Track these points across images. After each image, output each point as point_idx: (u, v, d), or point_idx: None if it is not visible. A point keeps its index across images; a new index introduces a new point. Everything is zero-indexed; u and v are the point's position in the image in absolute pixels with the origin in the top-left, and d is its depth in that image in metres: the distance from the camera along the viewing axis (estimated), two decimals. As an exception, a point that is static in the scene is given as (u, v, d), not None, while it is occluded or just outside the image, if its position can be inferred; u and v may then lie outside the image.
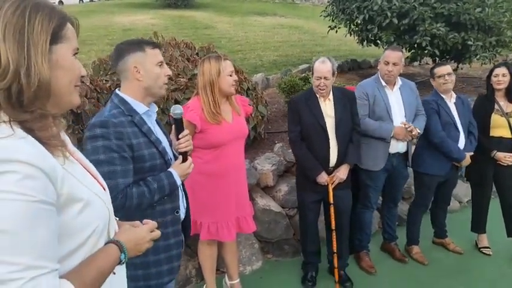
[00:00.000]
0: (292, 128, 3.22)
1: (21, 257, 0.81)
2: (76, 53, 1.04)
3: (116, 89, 1.88)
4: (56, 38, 0.97)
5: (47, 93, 0.93)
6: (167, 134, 2.02)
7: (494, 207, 3.95)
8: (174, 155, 1.99)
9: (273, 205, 3.83)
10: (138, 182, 1.78)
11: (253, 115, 4.10)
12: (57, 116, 1.00)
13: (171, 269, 1.93)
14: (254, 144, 4.49)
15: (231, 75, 2.67)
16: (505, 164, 3.68)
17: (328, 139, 3.14)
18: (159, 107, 3.56)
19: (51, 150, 0.93)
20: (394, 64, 3.36)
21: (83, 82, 3.28)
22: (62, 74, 0.99)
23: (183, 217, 2.03)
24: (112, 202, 1.65)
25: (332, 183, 3.18)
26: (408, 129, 3.30)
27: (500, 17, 6.36)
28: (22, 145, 0.86)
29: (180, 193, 2.00)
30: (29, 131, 0.90)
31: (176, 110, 1.93)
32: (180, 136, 1.93)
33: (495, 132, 3.73)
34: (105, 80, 3.86)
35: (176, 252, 1.95)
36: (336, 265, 3.30)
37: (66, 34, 1.00)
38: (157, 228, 1.31)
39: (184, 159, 1.93)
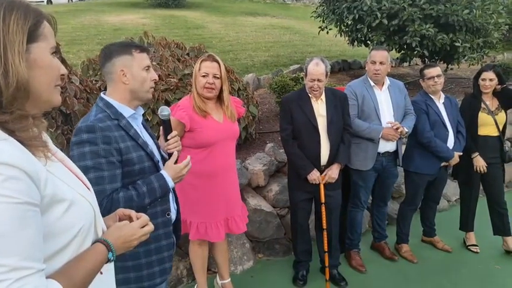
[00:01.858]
0: (284, 127, 3.24)
1: (7, 259, 0.81)
2: (54, 52, 1.02)
3: (101, 93, 1.87)
4: (32, 36, 0.95)
5: (25, 93, 0.92)
6: (153, 137, 2.01)
7: (483, 205, 4.01)
8: (162, 156, 1.98)
9: (264, 205, 3.85)
10: (127, 186, 1.76)
11: (244, 115, 4.10)
12: (37, 116, 0.98)
13: (163, 270, 1.94)
14: (245, 145, 4.50)
15: (204, 76, 2.64)
16: (481, 171, 3.77)
17: (319, 138, 3.17)
18: (149, 108, 3.59)
19: (33, 151, 0.92)
20: (380, 63, 3.40)
21: (72, 82, 3.27)
22: (41, 73, 0.97)
23: (174, 219, 2.03)
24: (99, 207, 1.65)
25: (323, 182, 3.21)
26: (394, 127, 3.35)
27: (487, 19, 6.45)
28: (4, 147, 0.86)
29: (171, 195, 1.99)
30: (10, 132, 0.89)
31: (164, 111, 1.92)
32: (168, 137, 1.93)
33: (482, 130, 3.79)
34: (95, 81, 3.84)
35: (168, 254, 1.95)
36: (326, 264, 3.32)
37: (43, 32, 0.98)
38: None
39: (171, 157, 1.90)
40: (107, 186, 1.69)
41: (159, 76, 3.86)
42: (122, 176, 1.75)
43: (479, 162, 3.76)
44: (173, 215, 2.01)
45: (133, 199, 1.73)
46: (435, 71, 3.60)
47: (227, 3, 18.33)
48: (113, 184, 1.70)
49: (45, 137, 1.05)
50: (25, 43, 0.92)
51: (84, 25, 11.62)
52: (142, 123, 1.96)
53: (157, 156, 1.92)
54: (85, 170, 1.64)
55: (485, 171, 3.76)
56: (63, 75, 1.05)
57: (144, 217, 1.29)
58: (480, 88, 3.79)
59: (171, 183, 1.84)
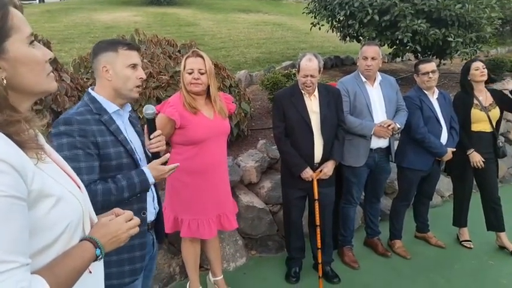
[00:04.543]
0: (277, 124, 3.22)
1: None
2: (33, 41, 0.96)
3: (89, 88, 1.88)
4: (3, 32, 0.89)
5: (5, 102, 0.87)
6: (140, 134, 2.00)
7: (476, 201, 4.01)
8: (147, 155, 1.98)
9: (257, 201, 3.83)
10: (106, 179, 1.76)
11: (236, 112, 4.08)
12: (29, 119, 0.94)
13: (133, 270, 1.89)
14: (237, 141, 4.48)
15: (190, 73, 2.64)
16: (478, 166, 3.74)
17: (312, 135, 3.15)
18: (140, 105, 3.55)
19: (26, 151, 0.90)
20: (372, 58, 3.39)
21: (63, 80, 3.23)
22: (26, 70, 0.93)
23: (153, 219, 2.01)
24: None
25: (317, 178, 3.19)
26: (385, 125, 3.34)
27: (480, 13, 6.44)
28: None
29: (152, 194, 1.98)
30: (7, 135, 0.87)
31: (148, 110, 1.93)
32: (151, 136, 1.93)
33: (475, 127, 3.78)
34: (86, 78, 3.81)
35: (140, 254, 1.90)
36: (319, 260, 3.31)
37: (13, 24, 0.91)
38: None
39: (158, 159, 1.91)
40: (84, 177, 1.68)
41: (150, 73, 3.84)
42: (99, 169, 1.75)
43: (476, 158, 3.73)
44: (152, 215, 2.00)
45: (111, 192, 1.73)
46: (430, 66, 3.59)
47: (219, 0, 18.24)
48: (90, 175, 1.71)
49: (41, 138, 1.02)
50: None
51: (76, 23, 11.52)
52: (130, 120, 1.96)
53: (140, 154, 1.92)
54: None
55: (482, 166, 3.74)
56: (50, 59, 1.01)
57: (127, 212, 1.28)
58: (475, 79, 3.75)
59: (151, 180, 1.84)
